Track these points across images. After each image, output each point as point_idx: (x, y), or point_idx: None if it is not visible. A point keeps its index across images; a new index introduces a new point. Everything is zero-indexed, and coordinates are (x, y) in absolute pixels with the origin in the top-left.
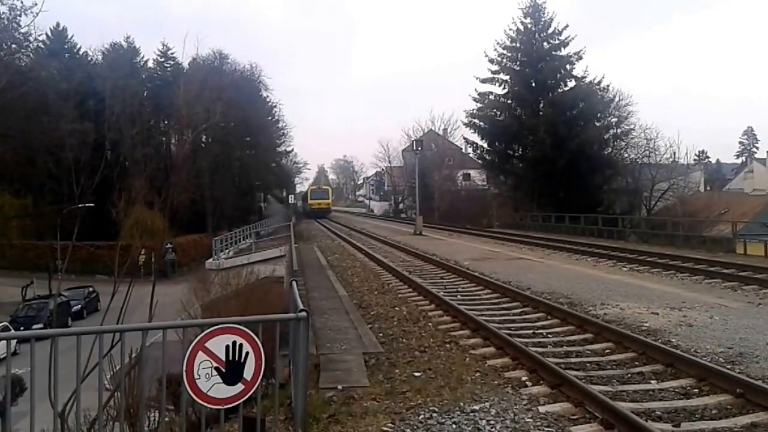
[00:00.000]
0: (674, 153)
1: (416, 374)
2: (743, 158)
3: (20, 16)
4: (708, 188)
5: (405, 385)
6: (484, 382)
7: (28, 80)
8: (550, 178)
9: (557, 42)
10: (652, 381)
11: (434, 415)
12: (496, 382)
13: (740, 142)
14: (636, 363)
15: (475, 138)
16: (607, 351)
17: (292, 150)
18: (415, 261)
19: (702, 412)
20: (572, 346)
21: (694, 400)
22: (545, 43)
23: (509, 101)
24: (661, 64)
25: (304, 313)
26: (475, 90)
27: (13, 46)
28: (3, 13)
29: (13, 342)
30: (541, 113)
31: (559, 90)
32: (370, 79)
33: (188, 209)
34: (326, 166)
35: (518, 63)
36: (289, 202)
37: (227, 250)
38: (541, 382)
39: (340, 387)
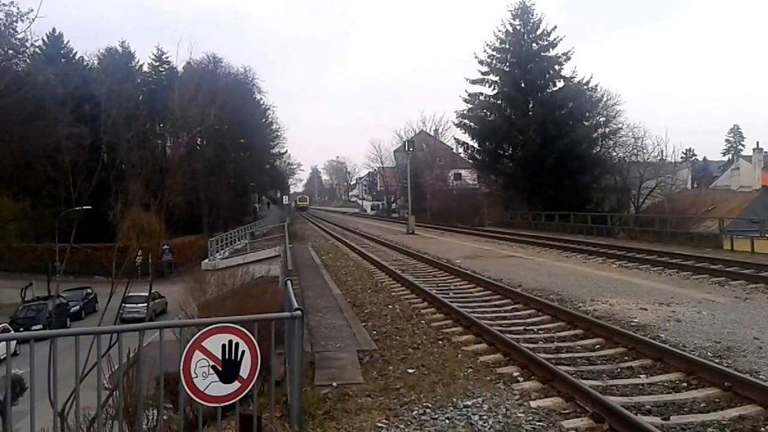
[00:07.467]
0: (662, 151)
1: (410, 371)
2: (730, 156)
3: (17, 21)
4: (695, 185)
5: (399, 382)
6: (476, 378)
7: (25, 85)
8: (539, 176)
9: (546, 43)
10: (641, 375)
11: (428, 410)
12: (488, 378)
13: (726, 140)
14: (625, 358)
15: (466, 138)
16: (597, 346)
17: (286, 152)
18: (408, 260)
19: (691, 406)
20: (563, 341)
21: (682, 393)
22: (534, 44)
23: (499, 101)
24: (648, 64)
25: (299, 312)
26: (466, 91)
27: (10, 51)
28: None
29: (13, 343)
30: (530, 113)
31: (548, 90)
32: (363, 81)
33: (184, 211)
34: (319, 167)
35: (507, 64)
36: (284, 203)
37: (223, 251)
38: (533, 377)
39: (334, 384)
